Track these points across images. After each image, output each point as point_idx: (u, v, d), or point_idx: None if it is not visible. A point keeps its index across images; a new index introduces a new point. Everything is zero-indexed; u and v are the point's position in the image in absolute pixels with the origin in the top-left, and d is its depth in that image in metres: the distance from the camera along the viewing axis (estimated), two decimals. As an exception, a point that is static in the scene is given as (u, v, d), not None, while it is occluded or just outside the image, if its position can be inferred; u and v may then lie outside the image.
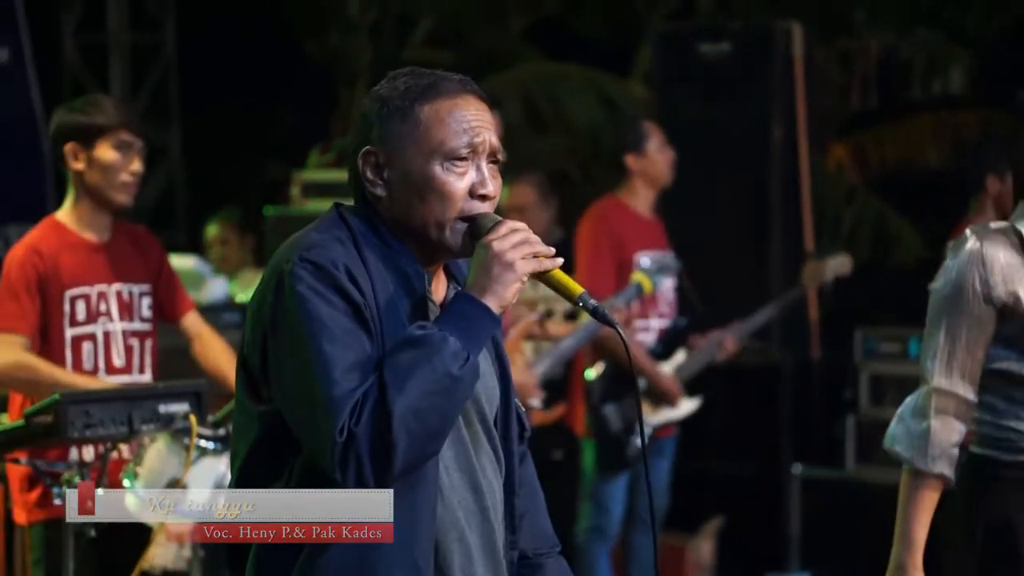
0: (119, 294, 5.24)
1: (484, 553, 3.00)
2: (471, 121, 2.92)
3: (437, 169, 2.91)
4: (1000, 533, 3.83)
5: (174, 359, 5.64)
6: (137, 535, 5.03)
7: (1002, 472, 3.82)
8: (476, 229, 2.93)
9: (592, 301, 2.96)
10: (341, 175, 7.42)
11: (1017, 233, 3.80)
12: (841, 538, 7.34)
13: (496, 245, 2.88)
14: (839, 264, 7.47)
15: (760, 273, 8.16)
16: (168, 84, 11.17)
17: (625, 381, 6.91)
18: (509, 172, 6.22)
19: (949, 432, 3.77)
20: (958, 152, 9.52)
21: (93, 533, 4.85)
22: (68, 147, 5.10)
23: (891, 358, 7.65)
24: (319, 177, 7.59)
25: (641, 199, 7.07)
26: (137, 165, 5.18)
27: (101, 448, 4.94)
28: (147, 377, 5.28)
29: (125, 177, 5.14)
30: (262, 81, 11.48)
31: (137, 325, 5.28)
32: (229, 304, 7.60)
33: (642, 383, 6.91)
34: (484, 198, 2.94)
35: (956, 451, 3.80)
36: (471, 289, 2.89)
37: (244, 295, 8.13)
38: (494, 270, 2.87)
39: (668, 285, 6.89)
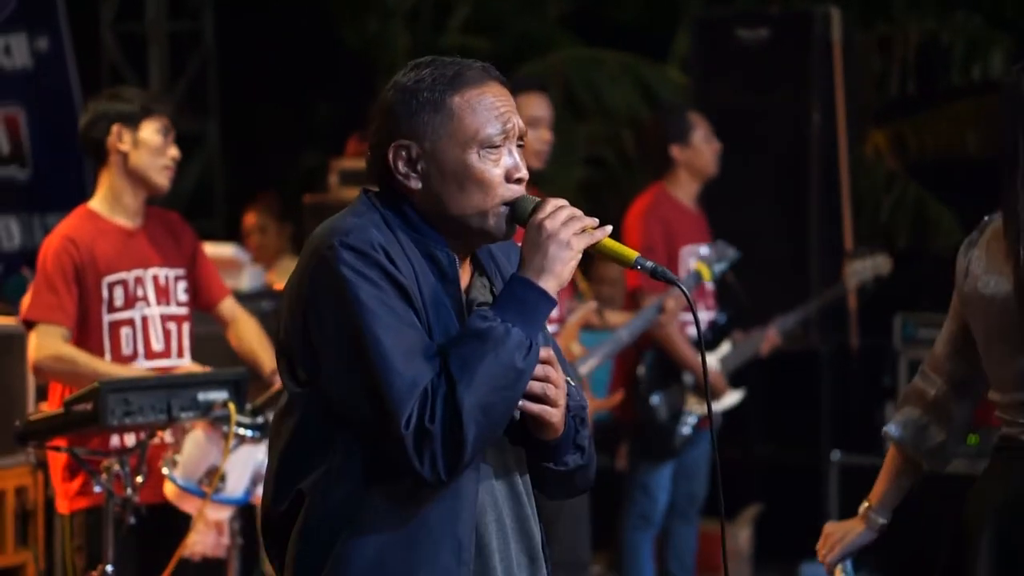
0: (155, 278, 5.27)
1: (518, 534, 3.04)
2: (500, 108, 2.97)
3: (474, 158, 2.95)
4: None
5: (209, 346, 5.66)
6: (176, 522, 5.06)
7: None
8: (517, 212, 2.96)
9: (649, 263, 2.96)
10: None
11: None
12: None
13: (548, 224, 2.91)
14: (880, 264, 7.45)
15: (799, 261, 8.14)
16: (206, 73, 11.19)
17: (672, 371, 6.91)
18: (550, 158, 6.21)
19: None
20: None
21: (133, 520, 4.88)
22: (115, 129, 5.16)
23: (930, 344, 7.57)
24: (357, 165, 7.59)
25: (685, 190, 7.06)
26: (175, 150, 5.25)
27: (141, 436, 4.97)
28: (186, 361, 5.30)
29: (166, 161, 5.22)
30: (300, 70, 11.48)
31: (174, 309, 5.30)
32: (267, 292, 7.62)
33: (688, 377, 6.90)
34: (519, 181, 2.99)
35: None
36: (527, 272, 2.91)
37: (282, 283, 8.16)
38: (550, 250, 2.90)
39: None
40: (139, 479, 4.89)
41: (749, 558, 7.99)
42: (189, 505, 5.01)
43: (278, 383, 5.23)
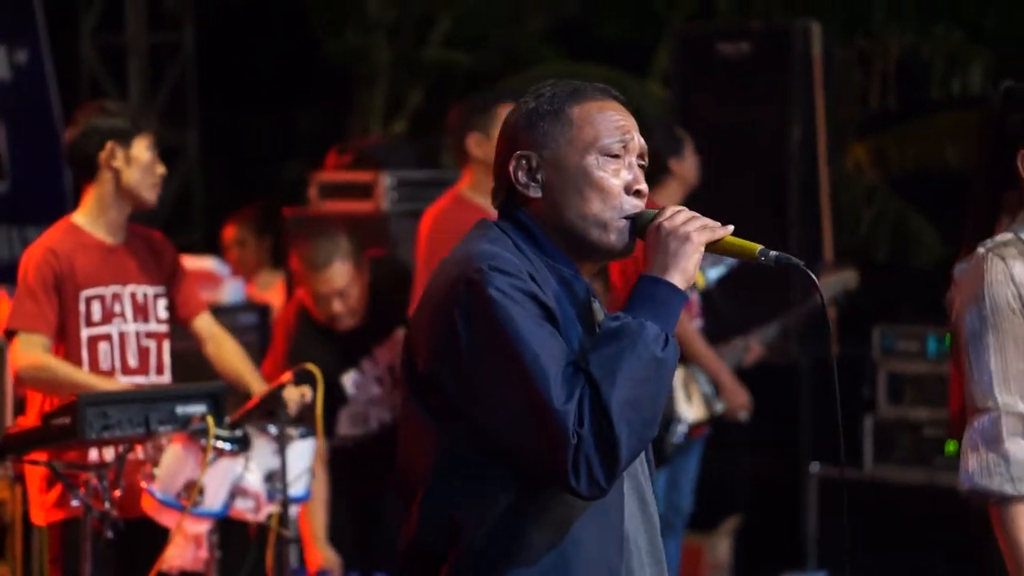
0: (133, 296, 5.27)
1: (650, 558, 3.03)
2: (620, 122, 3.00)
3: (593, 164, 2.96)
4: None
5: (190, 361, 5.65)
6: (154, 536, 5.05)
7: None
8: (639, 224, 2.98)
9: (774, 253, 2.95)
10: (359, 176, 7.47)
11: (1021, 241, 3.79)
12: (859, 537, 7.33)
13: (667, 224, 2.92)
14: (847, 279, 7.48)
15: (779, 273, 8.13)
16: (186, 85, 11.19)
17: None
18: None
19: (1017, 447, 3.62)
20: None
21: (111, 534, 4.87)
22: (108, 145, 5.16)
23: (909, 356, 7.64)
24: (337, 178, 7.59)
25: (673, 200, 7.08)
26: (162, 167, 5.28)
27: (120, 449, 4.96)
28: (163, 378, 5.30)
29: (156, 177, 5.24)
30: (280, 82, 11.48)
31: (152, 326, 5.30)
32: (246, 305, 7.61)
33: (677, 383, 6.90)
34: (639, 194, 3.00)
35: None
36: (653, 270, 2.91)
37: (263, 295, 8.14)
38: (671, 246, 2.91)
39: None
40: (117, 492, 4.88)
41: (729, 570, 7.99)
42: (167, 519, 5.00)
43: (256, 397, 5.25)
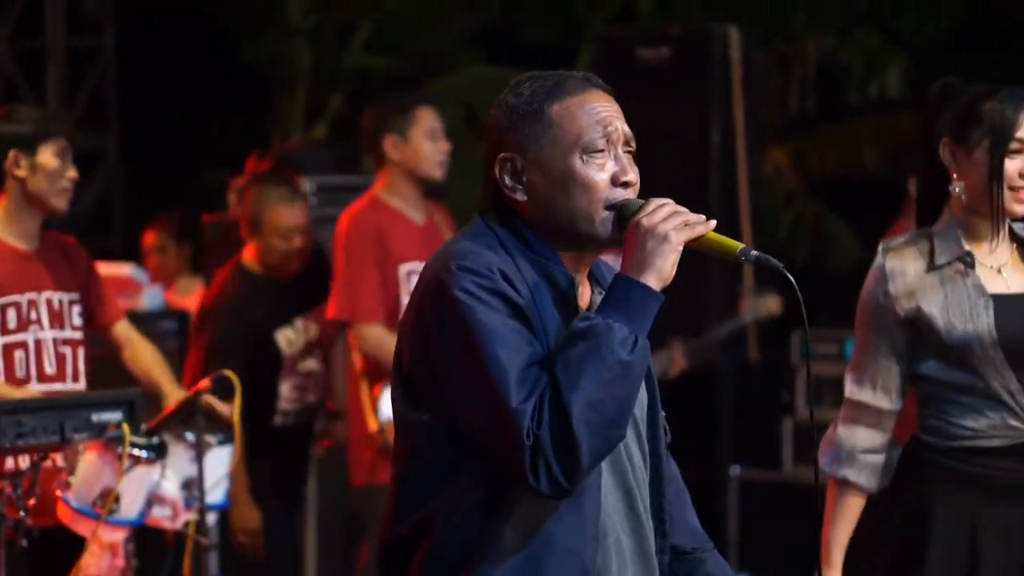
0: (49, 302, 5.22)
1: (637, 557, 3.00)
2: (601, 112, 2.94)
3: (577, 163, 2.92)
4: (917, 519, 3.91)
5: (107, 368, 5.61)
6: (70, 544, 5.01)
7: (931, 457, 3.91)
8: (623, 215, 2.92)
9: (754, 253, 2.90)
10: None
11: (931, 241, 3.91)
12: (778, 540, 7.37)
13: (645, 221, 2.86)
14: (770, 304, 7.55)
15: (697, 277, 8.17)
16: (106, 90, 11.11)
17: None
18: (452, 177, 6.21)
19: (854, 439, 3.95)
20: (895, 155, 9.58)
21: (25, 542, 4.82)
22: (11, 154, 5.10)
23: (827, 359, 7.68)
24: (257, 183, 7.54)
25: None
26: (73, 171, 5.21)
27: (34, 457, 4.92)
28: (80, 385, 5.25)
29: (65, 183, 5.16)
30: (201, 87, 11.43)
31: (68, 333, 5.25)
32: (165, 312, 7.56)
33: None
34: (626, 185, 2.94)
35: (872, 458, 3.95)
36: (628, 270, 2.86)
37: (182, 302, 8.09)
38: (648, 245, 2.85)
39: None
40: (32, 501, 4.84)
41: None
42: (83, 527, 4.96)
43: (172, 404, 5.22)
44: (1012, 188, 3.90)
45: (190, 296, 8.15)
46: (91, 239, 5.58)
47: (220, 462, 5.22)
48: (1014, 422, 3.87)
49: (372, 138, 6.08)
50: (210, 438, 5.16)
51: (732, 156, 8.32)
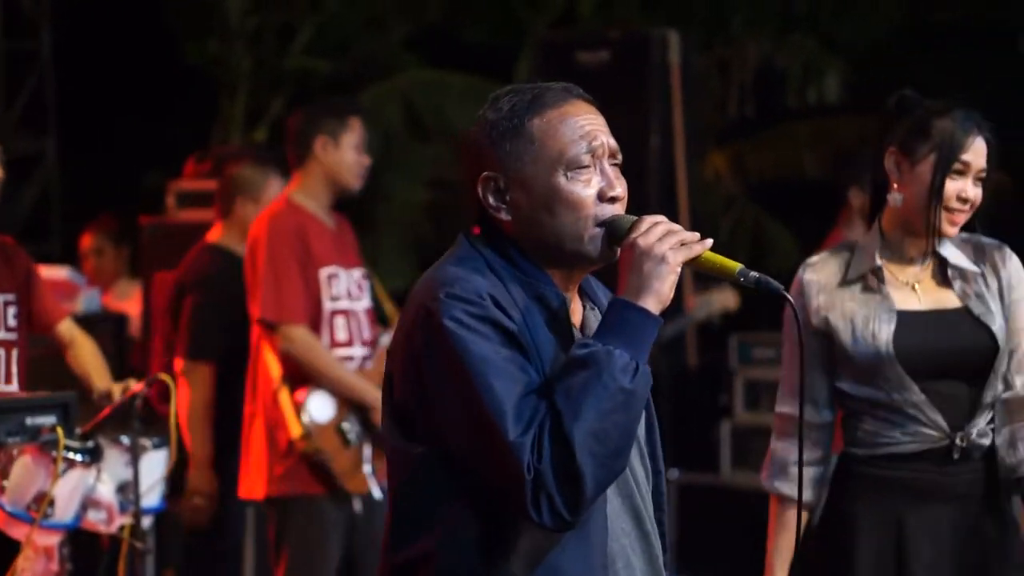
0: (-17, 304, 5.18)
1: (648, 571, 2.92)
2: (585, 127, 2.85)
3: (561, 180, 2.82)
4: (845, 527, 3.97)
5: (44, 368, 5.58)
6: (4, 549, 4.97)
7: (853, 467, 3.97)
8: (613, 232, 2.83)
9: (753, 274, 2.81)
10: (217, 184, 7.39)
11: (851, 254, 3.99)
12: (716, 543, 7.40)
13: (642, 242, 2.78)
14: (727, 298, 7.56)
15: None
16: (44, 91, 11.05)
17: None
18: (394, 180, 6.21)
19: (788, 453, 4.00)
20: (833, 160, 9.64)
21: (-41, 546, 4.80)
22: None
23: (766, 364, 7.72)
24: (195, 186, 7.52)
25: None
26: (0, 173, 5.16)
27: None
28: (14, 387, 5.21)
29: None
30: (141, 89, 11.38)
31: (3, 335, 5.21)
32: (103, 315, 7.52)
33: None
34: (614, 200, 2.84)
35: (808, 470, 3.98)
36: (626, 293, 2.77)
37: (119, 305, 8.05)
38: (645, 267, 2.77)
39: None
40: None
41: None
42: (17, 531, 4.92)
43: (108, 406, 5.19)
44: (948, 209, 3.94)
45: (128, 300, 8.11)
46: (30, 242, 5.54)
47: (156, 466, 5.20)
48: (923, 430, 3.93)
49: (301, 137, 6.02)
50: (145, 441, 5.14)
51: (671, 160, 8.34)
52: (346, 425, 5.81)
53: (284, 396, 5.81)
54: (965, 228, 4.03)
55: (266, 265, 5.83)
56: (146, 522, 5.23)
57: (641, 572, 2.90)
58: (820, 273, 3.97)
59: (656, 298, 2.76)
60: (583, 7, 10.85)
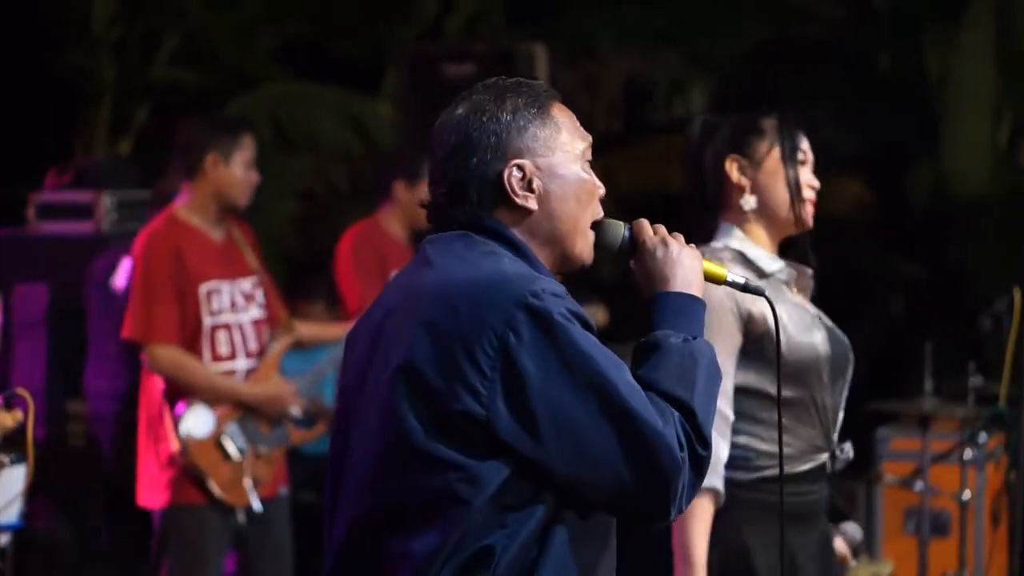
0: None
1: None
2: (578, 125, 2.89)
3: (582, 170, 2.83)
4: (736, 556, 3.85)
5: None
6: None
7: (737, 493, 3.82)
8: (608, 236, 2.86)
9: (740, 279, 2.95)
10: (78, 196, 7.30)
11: (741, 255, 3.92)
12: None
13: (673, 242, 2.83)
14: (595, 315, 7.59)
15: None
16: (-98, 101, 10.85)
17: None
18: (261, 192, 6.16)
19: (717, 448, 3.77)
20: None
21: None
22: None
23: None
24: (56, 199, 7.42)
25: (401, 227, 7.10)
26: None
27: None
28: None
29: None
30: (2, 100, 11.19)
31: None
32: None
33: None
34: (600, 200, 2.89)
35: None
36: (675, 287, 2.81)
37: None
38: (686, 261, 2.82)
39: None
40: None
41: None
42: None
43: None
44: (803, 200, 3.97)
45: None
46: None
47: (14, 482, 5.12)
48: (819, 442, 3.90)
49: (191, 150, 5.95)
50: (3, 457, 5.06)
51: (537, 173, 8.36)
52: (226, 439, 5.81)
53: (166, 410, 5.81)
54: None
55: (139, 284, 5.82)
56: (3, 539, 5.15)
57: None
58: (737, 264, 3.88)
59: (700, 290, 2.82)
60: (451, 21, 10.86)
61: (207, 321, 5.88)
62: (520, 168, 2.78)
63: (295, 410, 6.01)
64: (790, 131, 3.96)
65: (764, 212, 3.96)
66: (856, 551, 4.04)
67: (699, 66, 10.27)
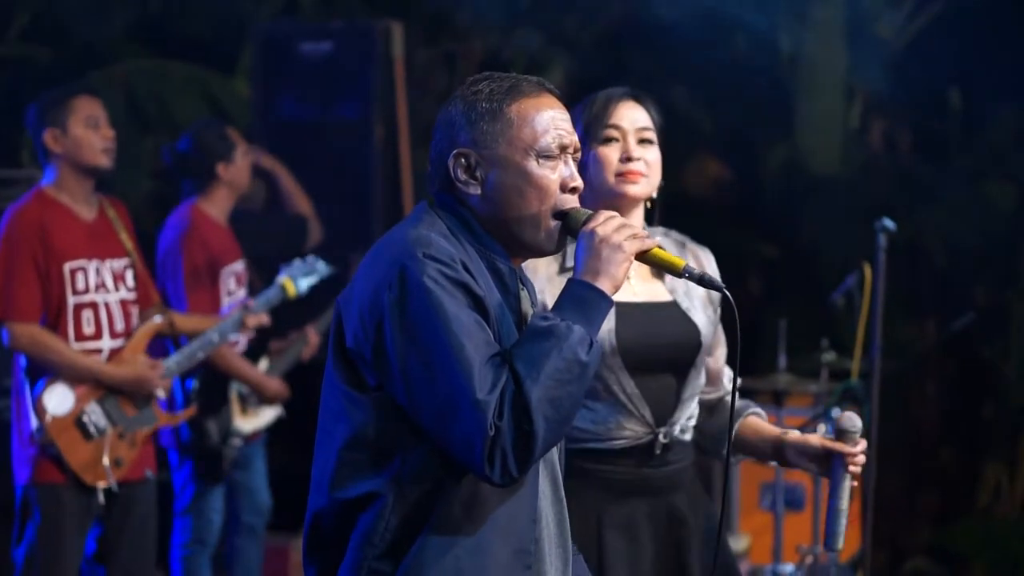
0: None
1: (557, 540, 3.15)
2: (557, 120, 3.12)
3: (533, 164, 3.08)
4: (585, 525, 3.96)
5: None
6: None
7: (577, 464, 3.96)
8: (570, 223, 3.11)
9: (696, 271, 3.13)
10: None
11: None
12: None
13: (600, 230, 3.06)
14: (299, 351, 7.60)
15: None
16: None
17: (220, 391, 6.85)
18: (116, 171, 6.09)
19: None
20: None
21: None
22: None
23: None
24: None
25: (222, 208, 7.03)
26: None
27: None
28: None
29: None
30: None
31: None
32: None
33: (238, 388, 6.88)
34: (574, 191, 3.14)
35: None
36: (584, 275, 3.04)
37: None
38: (603, 253, 3.04)
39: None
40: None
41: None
42: None
43: None
44: (619, 174, 4.01)
45: None
46: None
47: None
48: (631, 425, 3.99)
49: (33, 136, 5.99)
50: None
51: (396, 151, 8.35)
52: (86, 418, 5.78)
53: (26, 388, 5.81)
54: (672, 222, 4.12)
55: (2, 261, 5.76)
56: None
57: (554, 533, 3.16)
58: (537, 260, 3.91)
59: (612, 282, 3.05)
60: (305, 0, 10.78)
61: (71, 300, 5.84)
62: (464, 157, 3.10)
63: (160, 392, 5.96)
64: (598, 106, 4.01)
65: (590, 197, 4.01)
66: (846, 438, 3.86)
67: (557, 46, 10.29)
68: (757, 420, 4.12)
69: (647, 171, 4.03)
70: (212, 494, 6.89)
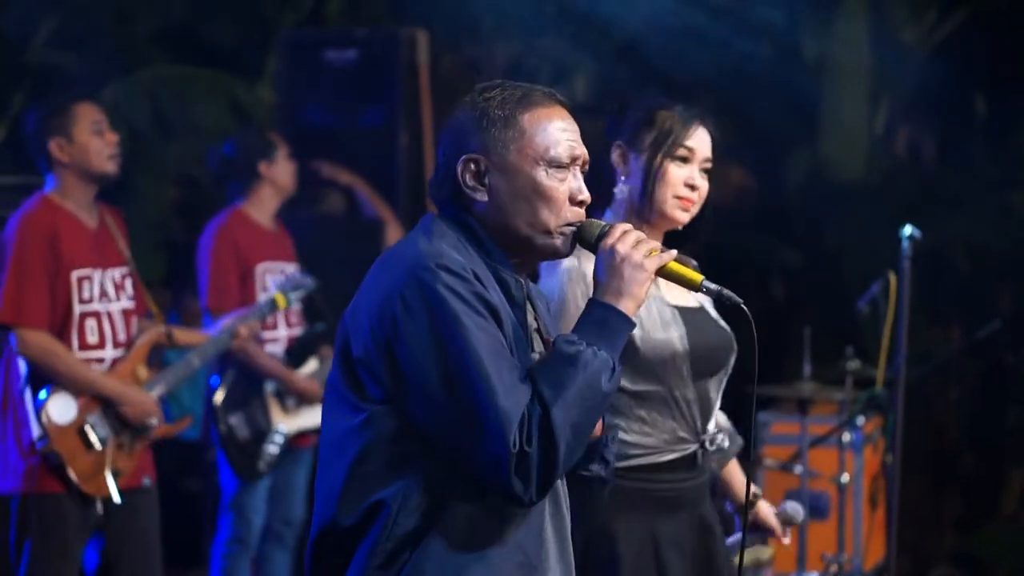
0: None
1: (559, 552, 3.13)
2: (567, 131, 3.11)
3: (542, 175, 3.06)
4: (600, 540, 3.94)
5: None
6: None
7: (627, 484, 3.91)
8: (584, 234, 3.09)
9: (714, 286, 3.08)
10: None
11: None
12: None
13: (620, 248, 3.04)
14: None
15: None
16: None
17: (251, 389, 6.86)
18: (141, 177, 6.10)
19: None
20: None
21: None
22: None
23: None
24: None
25: (267, 209, 7.06)
26: None
27: None
28: None
29: None
30: None
31: None
32: None
33: (274, 386, 6.90)
34: (582, 204, 3.12)
35: None
36: (606, 296, 3.02)
37: None
38: (626, 273, 3.02)
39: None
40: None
41: None
42: None
43: None
44: (677, 196, 3.99)
45: None
46: None
47: None
48: (683, 433, 3.97)
49: (36, 146, 5.94)
50: None
51: (420, 158, 8.36)
52: (88, 428, 5.74)
53: (28, 395, 5.73)
54: (695, 224, 4.10)
55: (12, 267, 5.74)
56: None
57: (556, 549, 3.12)
58: (590, 260, 3.94)
59: (634, 302, 3.03)
60: (331, 6, 10.80)
61: (77, 309, 5.81)
62: (474, 162, 3.07)
63: (153, 421, 5.91)
64: (677, 125, 3.99)
65: (632, 202, 4.00)
66: (791, 527, 4.22)
67: (581, 52, 10.29)
68: (736, 470, 4.19)
69: (699, 201, 4.03)
70: (251, 493, 6.89)
